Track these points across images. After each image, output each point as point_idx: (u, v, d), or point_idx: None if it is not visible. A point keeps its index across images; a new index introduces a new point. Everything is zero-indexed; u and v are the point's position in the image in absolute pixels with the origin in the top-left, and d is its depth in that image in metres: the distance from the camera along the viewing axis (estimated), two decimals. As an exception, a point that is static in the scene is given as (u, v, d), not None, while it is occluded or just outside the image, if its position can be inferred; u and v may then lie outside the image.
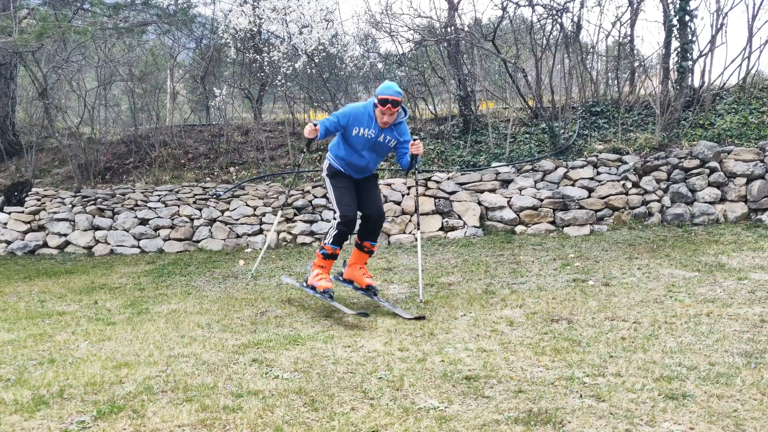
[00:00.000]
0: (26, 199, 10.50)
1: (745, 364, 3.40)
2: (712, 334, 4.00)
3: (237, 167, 10.85)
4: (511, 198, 9.02)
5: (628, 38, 10.87)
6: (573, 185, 8.96)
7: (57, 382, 3.51)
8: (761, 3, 10.72)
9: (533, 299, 5.22)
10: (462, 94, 10.73)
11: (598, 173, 9.01)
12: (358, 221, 5.23)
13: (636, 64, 11.01)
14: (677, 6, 9.50)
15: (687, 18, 9.49)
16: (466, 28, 11.24)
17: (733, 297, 4.93)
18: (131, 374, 3.60)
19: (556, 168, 9.16)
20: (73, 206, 10.22)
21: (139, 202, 10.14)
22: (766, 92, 9.93)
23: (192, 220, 9.84)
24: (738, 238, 7.41)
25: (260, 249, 5.63)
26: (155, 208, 10.04)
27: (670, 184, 8.69)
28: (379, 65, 12.51)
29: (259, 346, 4.12)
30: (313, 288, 5.11)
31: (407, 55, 11.50)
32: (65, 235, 10.03)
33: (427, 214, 9.06)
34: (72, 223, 10.11)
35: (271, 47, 10.99)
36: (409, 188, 9.32)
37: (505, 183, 9.22)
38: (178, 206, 9.99)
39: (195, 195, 10.05)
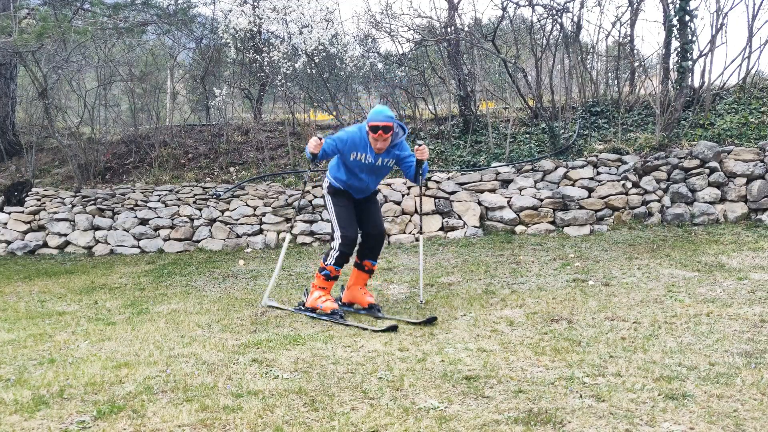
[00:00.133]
0: (26, 199, 10.51)
1: (745, 364, 3.40)
2: (712, 334, 4.00)
3: (237, 167, 10.85)
4: (511, 198, 9.02)
5: (628, 38, 10.87)
6: (573, 185, 8.96)
7: (57, 382, 3.51)
8: (761, 3, 10.72)
9: (533, 299, 5.22)
10: (462, 94, 10.73)
11: (598, 173, 9.01)
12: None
13: (636, 64, 11.01)
14: (677, 6, 9.50)
15: (687, 18, 9.49)
16: (466, 28, 11.24)
17: (733, 297, 4.93)
18: (131, 374, 3.60)
19: (556, 168, 9.16)
20: (73, 206, 10.22)
21: (139, 202, 10.14)
22: (766, 92, 9.93)
23: (192, 220, 9.84)
24: (738, 238, 7.41)
25: (270, 280, 5.43)
26: (155, 208, 10.04)
27: (670, 184, 8.69)
28: (379, 65, 12.51)
29: (259, 346, 4.12)
30: (314, 310, 4.95)
31: (407, 55, 11.50)
32: (65, 235, 10.03)
33: (427, 214, 9.07)
34: (72, 223, 10.11)
35: (271, 47, 10.99)
36: (409, 188, 9.32)
37: (505, 183, 9.23)
38: (178, 206, 9.99)
39: (195, 195, 10.05)
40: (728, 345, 3.75)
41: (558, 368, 3.47)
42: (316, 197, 9.56)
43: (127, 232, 9.88)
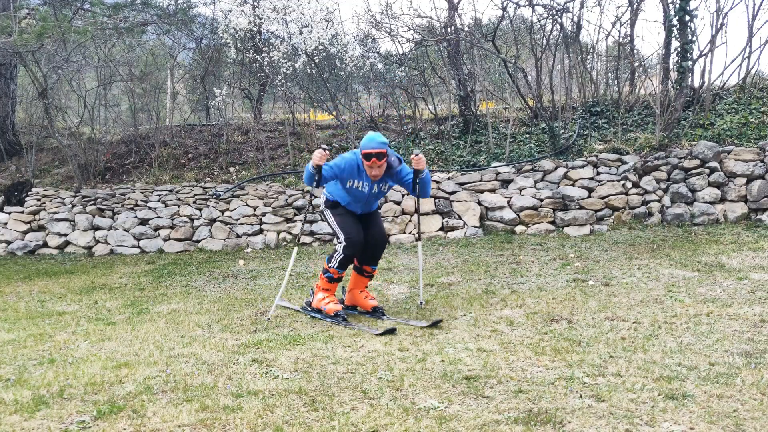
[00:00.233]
0: (26, 199, 10.51)
1: (745, 364, 3.40)
2: (712, 334, 4.00)
3: (237, 167, 10.85)
4: (511, 198, 9.02)
5: (628, 38, 10.88)
6: (573, 185, 8.96)
7: (57, 382, 3.51)
8: (761, 3, 10.73)
9: (533, 299, 5.22)
10: (462, 94, 10.73)
11: (598, 173, 9.01)
12: None
13: (636, 64, 11.01)
14: (677, 6, 9.50)
15: (687, 18, 9.49)
16: (466, 28, 11.24)
17: (733, 297, 4.93)
18: (131, 374, 3.60)
19: (556, 168, 9.16)
20: (73, 206, 10.22)
21: (139, 202, 10.14)
22: (766, 92, 9.93)
23: (192, 220, 9.84)
24: (738, 238, 7.41)
25: (277, 297, 5.36)
26: (155, 208, 10.04)
27: (670, 184, 8.69)
28: (379, 65, 12.51)
29: (259, 346, 4.12)
30: (320, 311, 4.95)
31: (407, 55, 11.50)
32: (65, 235, 10.03)
33: (427, 214, 9.07)
34: (72, 223, 10.11)
35: (271, 47, 10.99)
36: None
37: (505, 183, 9.23)
38: (178, 206, 9.99)
39: (195, 195, 10.05)
40: (728, 345, 3.75)
41: (558, 368, 3.47)
42: (315, 197, 9.56)
43: (127, 232, 9.88)
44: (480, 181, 9.24)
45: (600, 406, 2.91)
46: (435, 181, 9.31)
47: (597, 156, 9.15)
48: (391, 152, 4.81)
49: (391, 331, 4.34)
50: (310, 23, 10.69)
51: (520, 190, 9.08)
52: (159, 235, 9.81)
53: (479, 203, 9.07)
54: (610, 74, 11.53)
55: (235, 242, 9.50)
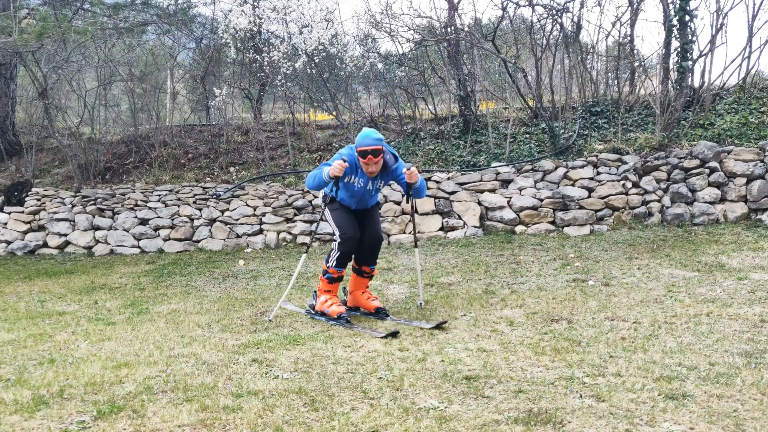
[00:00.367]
0: (26, 199, 10.51)
1: (745, 364, 3.40)
2: (712, 334, 4.00)
3: (237, 167, 10.85)
4: (511, 198, 9.02)
5: (628, 38, 10.88)
6: (573, 185, 8.96)
7: (57, 382, 3.51)
8: (761, 3, 10.72)
9: (533, 299, 5.22)
10: (462, 94, 10.73)
11: (598, 173, 9.01)
12: None
13: (636, 64, 11.01)
14: (677, 6, 9.50)
15: (687, 18, 9.49)
16: (466, 28, 11.24)
17: (733, 297, 4.93)
18: (131, 374, 3.60)
19: (556, 168, 9.16)
20: (73, 206, 10.23)
21: (139, 202, 10.14)
22: (766, 92, 9.92)
23: (192, 220, 9.84)
24: (738, 238, 7.41)
25: (281, 300, 5.30)
26: (155, 208, 10.04)
27: (670, 184, 8.69)
28: (379, 65, 12.51)
29: (259, 346, 4.12)
30: (323, 314, 4.90)
31: (407, 55, 11.50)
32: (65, 235, 10.03)
33: (427, 214, 9.07)
34: (72, 223, 10.11)
35: (271, 47, 10.99)
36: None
37: (505, 183, 9.23)
38: (178, 206, 9.99)
39: (195, 195, 10.05)
40: (728, 345, 3.75)
41: (558, 368, 3.47)
42: (315, 197, 9.56)
43: (127, 232, 9.88)
44: (480, 181, 9.24)
45: (600, 406, 2.91)
46: (435, 181, 9.31)
47: (597, 156, 9.15)
48: (387, 148, 4.78)
49: (393, 335, 4.31)
50: (310, 23, 10.69)
51: (520, 190, 9.08)
52: (159, 235, 9.81)
53: (479, 203, 9.07)
54: (610, 74, 11.53)
55: (235, 242, 9.50)
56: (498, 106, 11.58)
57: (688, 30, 9.59)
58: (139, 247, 9.76)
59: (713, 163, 8.57)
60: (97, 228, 10.03)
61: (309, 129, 11.49)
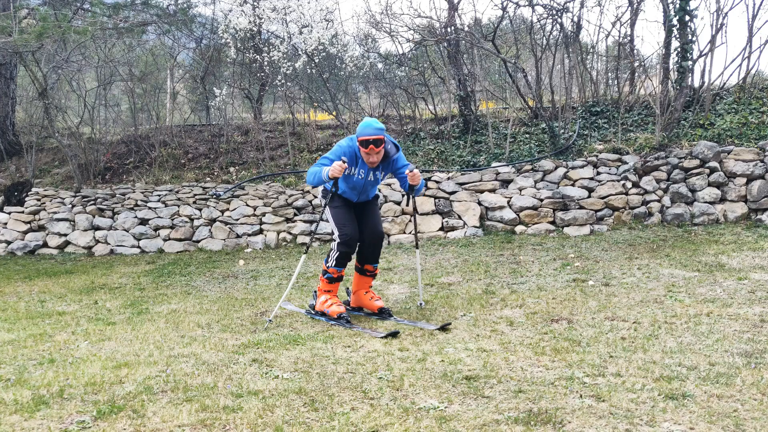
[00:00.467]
0: (26, 199, 10.51)
1: (745, 364, 3.40)
2: (712, 334, 4.00)
3: (237, 167, 10.85)
4: (511, 198, 9.02)
5: (628, 38, 10.88)
6: (573, 185, 8.96)
7: (57, 382, 3.51)
8: (761, 3, 10.72)
9: (533, 299, 5.22)
10: (462, 94, 10.73)
11: (598, 173, 9.01)
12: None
13: (636, 64, 11.01)
14: (677, 6, 9.50)
15: (687, 18, 9.50)
16: (466, 28, 11.24)
17: (733, 297, 4.93)
18: (131, 374, 3.60)
19: (556, 168, 9.16)
20: (73, 206, 10.23)
21: (139, 202, 10.14)
22: (766, 92, 9.92)
23: (192, 220, 9.84)
24: (738, 238, 7.41)
25: (282, 301, 5.24)
26: (155, 208, 10.04)
27: (670, 184, 8.69)
28: (379, 65, 12.52)
29: (259, 346, 4.12)
30: (324, 314, 4.87)
31: (407, 55, 11.50)
32: (65, 235, 10.03)
33: (427, 214, 9.07)
34: (72, 223, 10.11)
35: (271, 47, 10.99)
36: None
37: (505, 183, 9.23)
38: (178, 206, 10.00)
39: (195, 195, 10.05)
40: (728, 345, 3.75)
41: (558, 368, 3.46)
42: (315, 197, 9.56)
43: (127, 232, 9.88)
44: (480, 181, 9.24)
45: (600, 406, 2.91)
46: (435, 181, 9.31)
47: (597, 156, 9.15)
48: (388, 138, 4.73)
49: (393, 335, 4.31)
50: (310, 23, 10.70)
51: (520, 190, 9.08)
52: (159, 235, 9.81)
53: (479, 203, 9.07)
54: (610, 74, 11.53)
55: (235, 242, 9.50)
56: (498, 106, 11.59)
57: (688, 30, 9.59)
58: (139, 247, 9.76)
59: (713, 163, 8.57)
60: (97, 228, 10.03)
61: (309, 129, 11.49)
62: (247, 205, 9.75)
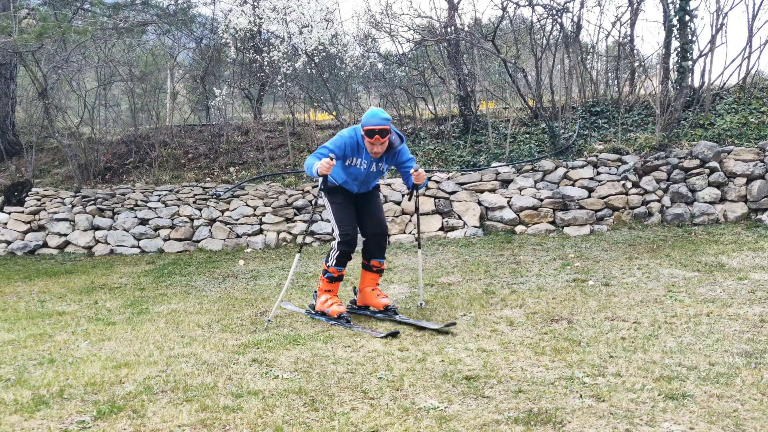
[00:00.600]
0: (26, 199, 10.51)
1: (745, 364, 3.40)
2: (712, 334, 4.00)
3: (237, 167, 10.85)
4: (511, 198, 9.02)
5: (628, 38, 10.88)
6: (573, 185, 8.96)
7: (57, 382, 3.51)
8: (761, 3, 10.72)
9: (533, 299, 5.22)
10: (462, 94, 10.73)
11: (598, 173, 9.01)
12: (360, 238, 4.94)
13: (636, 64, 11.01)
14: (677, 6, 9.50)
15: (687, 18, 9.50)
16: (466, 28, 11.24)
17: (733, 297, 4.93)
18: (131, 374, 3.60)
19: (556, 168, 9.16)
20: (73, 206, 10.23)
21: (139, 202, 10.14)
22: (766, 92, 9.92)
23: (192, 220, 9.84)
24: (738, 238, 7.41)
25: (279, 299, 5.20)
26: (155, 208, 10.04)
27: (670, 184, 8.69)
28: (379, 65, 12.52)
29: (259, 346, 4.12)
30: (324, 314, 4.84)
31: (407, 55, 11.50)
32: (65, 235, 10.03)
33: (427, 214, 9.06)
34: (72, 223, 10.11)
35: (271, 47, 10.99)
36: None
37: (505, 183, 9.23)
38: (178, 206, 10.00)
39: (195, 195, 10.05)
40: (728, 345, 3.75)
41: (558, 368, 3.46)
42: (315, 197, 9.56)
43: (127, 232, 9.88)
44: (480, 181, 9.24)
45: (600, 406, 2.91)
46: (435, 181, 9.31)
47: (597, 156, 9.15)
48: (393, 129, 4.67)
49: (393, 335, 4.30)
50: (310, 23, 10.70)
51: (520, 190, 9.08)
52: (159, 235, 9.81)
53: (479, 203, 9.07)
54: (610, 74, 11.53)
55: (235, 242, 9.50)
56: (498, 106, 11.59)
57: (688, 30, 9.59)
58: (139, 247, 9.76)
59: (713, 163, 8.57)
60: (97, 228, 10.03)
61: (309, 129, 11.49)
62: (247, 205, 9.75)
